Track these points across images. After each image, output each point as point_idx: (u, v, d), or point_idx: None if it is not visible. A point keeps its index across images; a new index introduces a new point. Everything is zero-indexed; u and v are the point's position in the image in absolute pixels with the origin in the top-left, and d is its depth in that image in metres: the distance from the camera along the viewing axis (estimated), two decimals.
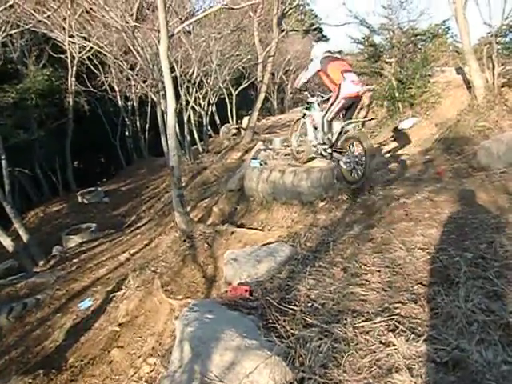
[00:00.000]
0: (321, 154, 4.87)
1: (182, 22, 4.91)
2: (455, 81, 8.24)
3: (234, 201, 5.25)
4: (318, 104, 5.04)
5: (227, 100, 16.07)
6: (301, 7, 27.63)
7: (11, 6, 6.67)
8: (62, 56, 11.87)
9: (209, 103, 13.29)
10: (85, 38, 9.16)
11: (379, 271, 2.71)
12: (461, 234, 3.12)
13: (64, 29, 9.59)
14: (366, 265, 2.84)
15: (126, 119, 15.69)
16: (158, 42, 4.48)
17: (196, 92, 11.82)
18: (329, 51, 4.83)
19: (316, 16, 28.74)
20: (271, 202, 4.53)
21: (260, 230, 4.10)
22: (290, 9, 10.00)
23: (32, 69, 11.65)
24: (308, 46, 19.86)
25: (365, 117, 10.46)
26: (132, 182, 12.69)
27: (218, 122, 16.26)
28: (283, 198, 4.49)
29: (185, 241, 4.40)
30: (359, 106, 11.02)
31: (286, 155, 5.68)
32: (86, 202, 11.11)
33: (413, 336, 1.90)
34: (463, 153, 5.71)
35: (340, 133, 4.62)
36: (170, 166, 4.62)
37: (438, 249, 2.89)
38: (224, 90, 15.48)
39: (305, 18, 26.81)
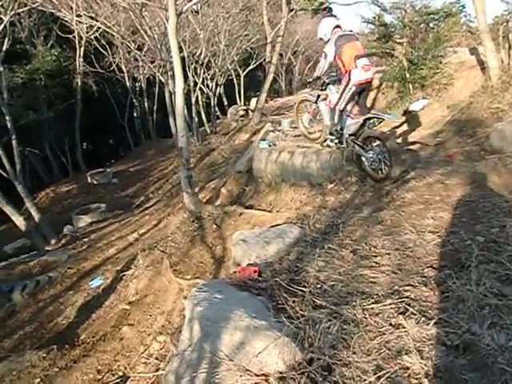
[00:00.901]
0: (328, 146, 4.76)
1: (190, 0, 4.79)
2: (468, 61, 8.01)
3: (242, 182, 5.23)
4: (333, 83, 4.83)
5: (235, 81, 15.90)
6: None
7: None
8: (70, 36, 11.75)
9: (216, 84, 13.14)
10: (92, 18, 9.00)
11: (389, 254, 2.70)
12: (472, 217, 3.08)
13: (71, 8, 9.44)
14: (375, 247, 2.83)
15: (134, 100, 15.61)
16: (167, 20, 4.38)
17: (204, 73, 11.67)
18: (338, 26, 4.62)
19: None
20: (280, 183, 4.50)
21: (268, 211, 4.09)
22: None
23: (40, 49, 11.60)
24: (317, 26, 19.37)
25: (374, 99, 10.29)
26: (140, 163, 12.71)
27: (226, 103, 16.10)
28: (292, 179, 4.45)
29: (193, 221, 4.41)
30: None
31: (294, 136, 5.61)
32: (95, 182, 11.19)
33: (423, 319, 1.90)
34: (475, 135, 5.59)
35: (362, 126, 4.46)
36: (179, 147, 4.60)
37: (449, 232, 2.87)
38: (232, 71, 15.29)
39: None
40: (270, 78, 9.82)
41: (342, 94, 4.47)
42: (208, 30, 10.49)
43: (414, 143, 6.40)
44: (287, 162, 4.45)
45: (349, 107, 4.67)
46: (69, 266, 5.08)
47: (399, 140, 6.57)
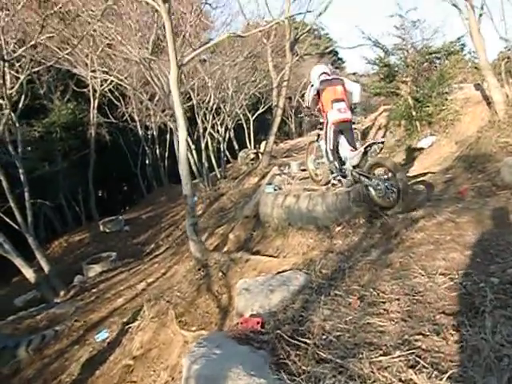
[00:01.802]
0: (333, 185, 4.88)
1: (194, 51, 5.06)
2: (474, 97, 8.07)
3: (249, 227, 5.18)
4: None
5: (245, 125, 16.29)
6: (315, 32, 28.19)
7: (35, 46, 7.08)
8: (85, 90, 12.39)
9: (226, 129, 13.49)
10: (106, 72, 9.54)
11: (398, 299, 2.57)
12: (486, 257, 2.95)
13: (86, 64, 10.05)
14: (384, 293, 2.70)
15: (146, 148, 16.08)
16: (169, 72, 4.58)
17: (213, 118, 12.04)
18: (325, 73, 5.00)
19: (331, 39, 29.19)
20: (286, 227, 4.44)
21: (275, 257, 4.00)
22: (303, 34, 10.16)
23: (57, 103, 12.22)
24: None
25: (383, 137, 10.36)
26: (152, 209, 12.85)
27: (237, 147, 16.43)
28: (298, 223, 4.39)
29: (199, 270, 4.34)
30: (377, 127, 10.99)
31: (301, 179, 5.61)
32: (107, 230, 11.29)
33: (435, 373, 1.75)
34: (485, 170, 5.49)
35: (364, 154, 4.53)
36: (183, 195, 4.64)
37: (462, 274, 2.73)
38: (241, 115, 15.73)
39: (319, 42, 27.28)
40: (277, 121, 10.06)
41: (325, 134, 4.75)
42: (216, 77, 10.93)
43: (423, 174, 6.33)
44: (293, 205, 4.41)
45: (345, 143, 4.76)
46: (76, 319, 5.00)
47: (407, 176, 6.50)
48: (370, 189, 4.40)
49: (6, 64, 6.52)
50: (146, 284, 5.44)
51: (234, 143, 16.62)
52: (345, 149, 4.72)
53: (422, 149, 7.97)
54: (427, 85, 8.60)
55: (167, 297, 4.18)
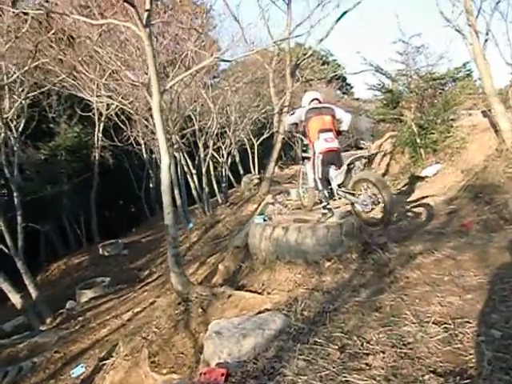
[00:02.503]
0: (324, 214, 4.72)
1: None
2: (481, 124, 7.83)
3: (239, 258, 4.92)
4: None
5: (249, 150, 16.24)
6: (323, 58, 28.51)
7: (35, 69, 7.17)
8: (91, 114, 12.50)
9: (228, 154, 13.41)
10: (110, 97, 9.58)
11: (383, 352, 2.28)
12: (487, 303, 2.65)
13: (92, 89, 10.16)
14: (369, 342, 2.41)
15: (151, 171, 16.07)
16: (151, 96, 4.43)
17: (214, 144, 11.97)
18: (317, 99, 4.92)
19: (339, 65, 29.41)
20: (274, 261, 4.16)
21: (259, 293, 3.72)
22: (304, 59, 10.15)
23: (64, 126, 12.34)
24: (331, 94, 20.09)
25: (388, 164, 10.13)
26: (152, 233, 12.67)
27: (242, 171, 16.33)
28: (287, 256, 4.10)
29: (179, 304, 4.08)
30: (382, 153, 10.77)
31: (294, 209, 5.40)
32: (106, 254, 11.14)
33: None
34: (492, 202, 5.20)
35: (348, 172, 4.46)
36: (165, 224, 4.45)
37: (459, 323, 2.44)
38: (246, 140, 15.69)
39: (327, 68, 27.54)
40: (277, 147, 9.90)
41: (313, 163, 4.62)
42: (218, 102, 10.95)
43: (422, 198, 6.05)
44: (281, 238, 4.13)
45: (332, 171, 4.62)
46: (56, 350, 4.76)
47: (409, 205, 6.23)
48: (357, 205, 4.26)
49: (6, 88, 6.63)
50: (133, 314, 5.18)
51: (240, 167, 16.53)
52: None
53: (426, 177, 7.71)
54: (432, 111, 8.42)
55: (144, 332, 3.89)
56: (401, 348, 2.27)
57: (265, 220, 4.84)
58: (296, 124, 5.04)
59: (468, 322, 2.42)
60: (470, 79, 10.21)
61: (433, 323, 2.47)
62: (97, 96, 10.06)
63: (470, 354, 2.10)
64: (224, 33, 33.07)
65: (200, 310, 3.77)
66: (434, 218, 5.25)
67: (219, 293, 3.91)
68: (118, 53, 6.86)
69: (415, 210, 6.08)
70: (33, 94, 8.47)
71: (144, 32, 3.74)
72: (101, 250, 11.22)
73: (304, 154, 5.21)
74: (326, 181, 4.60)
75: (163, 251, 9.85)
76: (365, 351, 2.31)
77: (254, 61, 12.56)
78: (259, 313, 3.12)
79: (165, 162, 4.22)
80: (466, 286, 2.96)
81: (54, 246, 13.02)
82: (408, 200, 7.01)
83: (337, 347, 2.40)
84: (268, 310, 3.16)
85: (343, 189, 4.41)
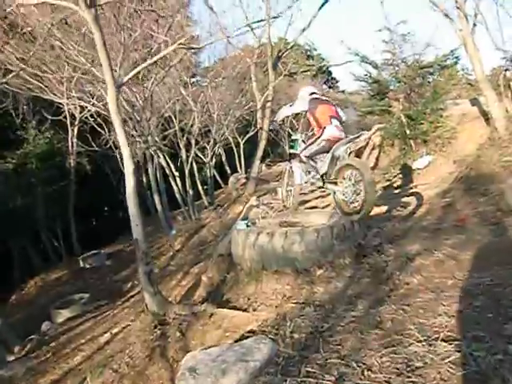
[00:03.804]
0: (312, 183, 4.72)
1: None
2: (471, 113, 7.65)
3: (223, 268, 4.51)
4: (303, 141, 4.80)
5: (235, 149, 15.85)
6: (308, 52, 28.24)
7: None
8: (61, 118, 11.83)
9: (213, 154, 12.98)
10: (80, 99, 9.00)
11: (389, 382, 1.93)
12: (498, 310, 2.34)
13: (62, 92, 9.55)
14: (370, 369, 2.06)
15: None
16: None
17: (197, 143, 11.52)
18: (315, 93, 4.72)
19: (324, 59, 29.11)
20: (260, 271, 3.76)
21: (245, 309, 3.33)
22: (286, 51, 9.77)
23: (32, 133, 11.63)
24: (317, 89, 19.85)
25: (377, 158, 9.88)
26: None
27: (229, 171, 15.90)
28: (273, 265, 3.69)
29: (155, 327, 3.66)
30: (371, 146, 10.53)
31: (281, 211, 5.03)
32: (87, 266, 10.56)
33: None
34: (488, 193, 4.95)
35: (331, 160, 4.31)
36: (134, 239, 4.02)
37: (470, 338, 2.11)
38: (231, 138, 15.28)
39: (313, 62, 27.27)
40: (262, 144, 9.49)
41: (310, 144, 4.45)
42: (199, 100, 10.53)
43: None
44: (266, 245, 3.73)
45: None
46: None
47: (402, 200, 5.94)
48: (338, 194, 4.18)
49: None
50: (110, 335, 4.72)
51: (227, 168, 16.10)
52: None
53: (417, 169, 7.47)
54: (421, 101, 8.23)
55: (115, 363, 3.46)
56: (408, 376, 1.93)
57: (248, 225, 4.45)
58: (287, 117, 4.96)
59: (482, 336, 2.10)
60: (456, 69, 10.04)
61: (442, 340, 2.15)
62: (67, 98, 9.48)
63: (490, 379, 1.77)
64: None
65: (178, 333, 3.36)
66: (429, 213, 4.97)
67: (200, 312, 3.50)
68: (87, 49, 6.37)
69: (406, 200, 5.86)
70: None
71: (88, 13, 3.25)
72: (81, 263, 10.62)
73: (291, 151, 4.99)
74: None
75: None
76: (366, 382, 1.96)
77: (234, 56, 12.16)
78: (244, 336, 2.73)
79: (129, 167, 3.75)
80: (472, 290, 2.67)
81: (31, 260, 12.31)
82: (397, 192, 6.76)
83: (333, 378, 2.04)
84: (253, 331, 2.77)
85: (325, 179, 4.34)
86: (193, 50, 6.33)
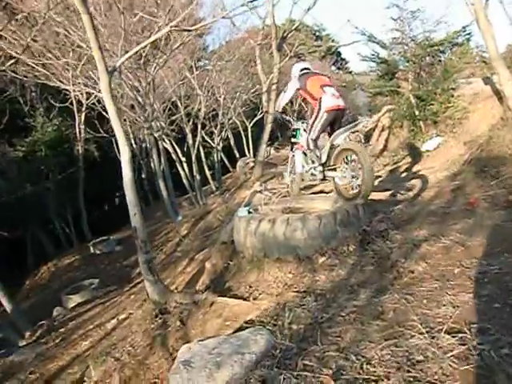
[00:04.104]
0: (312, 174, 4.60)
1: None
2: (483, 92, 7.32)
3: (226, 255, 4.47)
4: (304, 130, 4.71)
5: (242, 133, 15.72)
6: (316, 33, 27.53)
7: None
8: (68, 104, 11.82)
9: (221, 138, 12.88)
10: (86, 85, 8.93)
11: (388, 377, 1.87)
12: (507, 301, 2.24)
13: (68, 78, 9.48)
14: (369, 363, 2.00)
15: (141, 161, 15.52)
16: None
17: (203, 127, 11.41)
18: (306, 68, 4.65)
19: (333, 40, 28.36)
20: (262, 259, 3.70)
21: (246, 298, 3.29)
22: (291, 31, 9.45)
23: (40, 120, 11.66)
24: (326, 70, 19.44)
25: (386, 139, 9.68)
26: (147, 225, 12.19)
27: (238, 155, 15.81)
28: (275, 253, 3.62)
29: (156, 316, 3.65)
30: (380, 128, 10.29)
31: (284, 196, 4.94)
32: (98, 252, 10.70)
33: None
34: (499, 176, 4.76)
35: (330, 148, 4.32)
36: (133, 227, 3.97)
37: (476, 330, 2.02)
38: (238, 122, 15.13)
39: (321, 43, 26.62)
40: (268, 128, 9.29)
41: (313, 123, 4.32)
42: (204, 84, 10.38)
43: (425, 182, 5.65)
44: (268, 232, 3.64)
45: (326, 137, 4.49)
46: (32, 370, 4.34)
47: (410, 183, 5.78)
48: (337, 180, 4.27)
49: None
50: (118, 321, 4.77)
51: (235, 151, 15.99)
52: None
53: (427, 151, 7.25)
54: (431, 81, 7.91)
55: (117, 352, 3.47)
56: (408, 370, 1.85)
57: (250, 212, 4.38)
58: (291, 102, 4.93)
59: (487, 328, 2.01)
60: (468, 46, 9.61)
61: (445, 332, 2.06)
62: (73, 85, 9.42)
63: (494, 375, 1.70)
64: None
65: (179, 322, 3.34)
66: (438, 196, 4.81)
67: (201, 300, 3.47)
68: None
69: (412, 183, 5.74)
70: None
71: None
72: (92, 249, 10.77)
73: (293, 140, 4.93)
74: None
75: (157, 244, 9.41)
76: (365, 376, 1.90)
77: (239, 38, 11.92)
78: (243, 326, 2.69)
79: (125, 154, 3.67)
80: (480, 279, 2.56)
81: (43, 247, 12.55)
82: (405, 175, 6.59)
83: (331, 373, 1.98)
84: (252, 321, 2.73)
85: (325, 167, 4.35)
86: (194, 33, 6.10)
